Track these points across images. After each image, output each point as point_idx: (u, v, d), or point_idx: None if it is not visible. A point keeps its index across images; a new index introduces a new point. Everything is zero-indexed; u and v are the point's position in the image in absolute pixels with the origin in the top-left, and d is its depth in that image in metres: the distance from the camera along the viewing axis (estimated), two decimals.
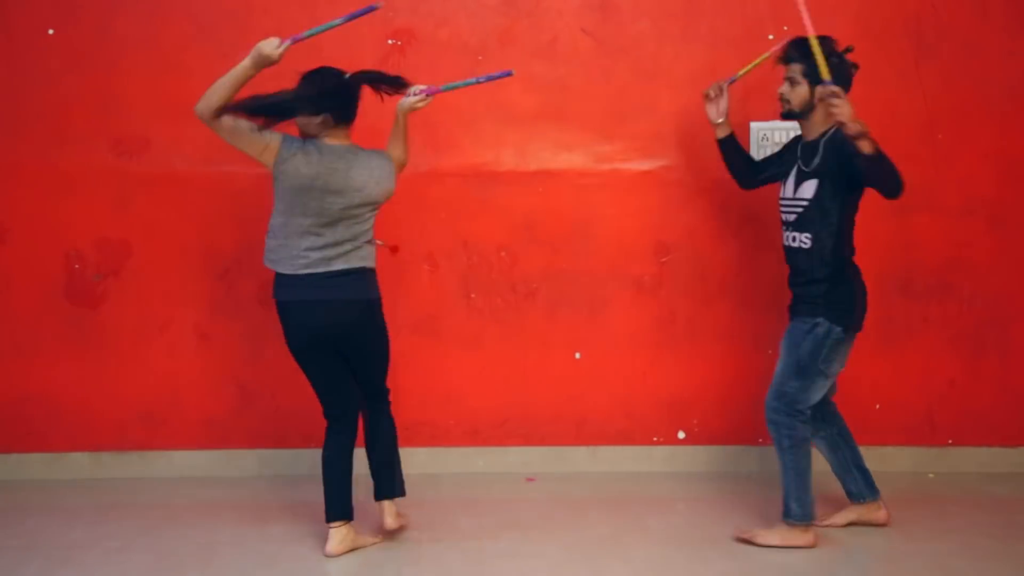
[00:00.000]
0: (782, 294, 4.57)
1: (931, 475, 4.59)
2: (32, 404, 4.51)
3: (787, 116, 3.81)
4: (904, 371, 4.61)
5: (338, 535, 3.69)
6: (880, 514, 3.97)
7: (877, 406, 4.62)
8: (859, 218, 4.56)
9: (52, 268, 4.47)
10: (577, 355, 4.59)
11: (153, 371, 4.52)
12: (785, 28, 4.45)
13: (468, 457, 4.61)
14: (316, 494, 4.34)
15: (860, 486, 3.95)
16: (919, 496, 4.34)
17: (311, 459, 4.57)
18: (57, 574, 3.58)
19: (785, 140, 4.48)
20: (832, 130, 3.70)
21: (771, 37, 4.45)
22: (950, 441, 4.64)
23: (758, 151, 4.49)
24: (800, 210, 3.75)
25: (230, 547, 3.80)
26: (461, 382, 4.57)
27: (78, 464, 4.55)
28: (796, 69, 3.75)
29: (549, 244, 4.56)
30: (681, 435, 4.63)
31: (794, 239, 3.78)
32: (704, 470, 4.60)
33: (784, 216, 3.82)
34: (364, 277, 3.67)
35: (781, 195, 3.86)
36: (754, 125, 4.49)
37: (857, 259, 3.65)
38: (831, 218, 3.70)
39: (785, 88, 3.78)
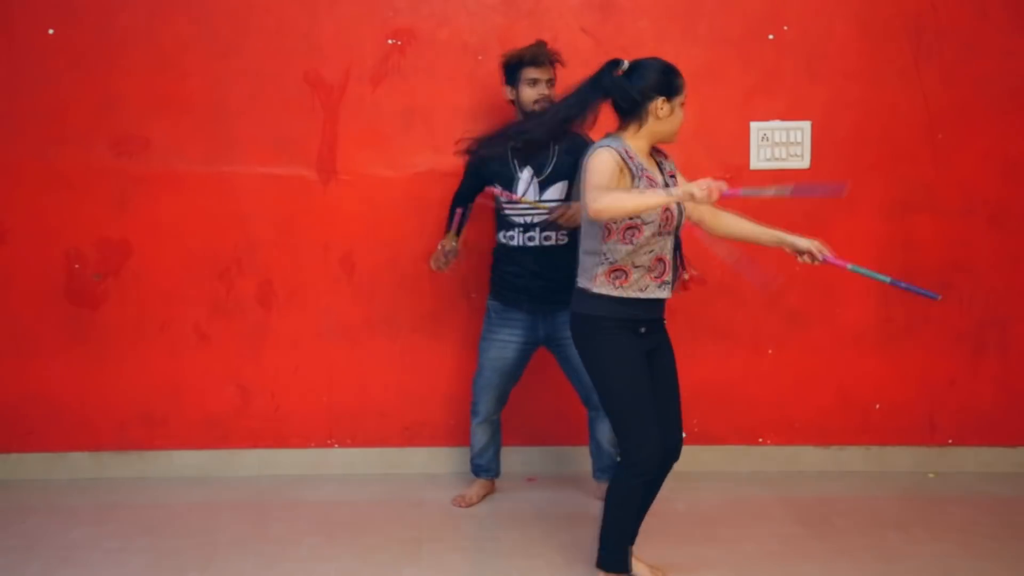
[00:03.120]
0: (782, 294, 4.58)
1: (931, 475, 4.59)
2: (32, 404, 4.51)
3: None
4: (904, 371, 4.60)
5: None
6: None
7: (877, 406, 4.62)
8: (858, 218, 4.57)
9: (52, 268, 4.47)
10: None
11: (153, 371, 4.51)
12: (785, 28, 4.45)
13: (469, 457, 4.60)
14: (316, 494, 4.36)
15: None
16: (919, 496, 4.34)
17: (311, 459, 4.59)
18: (57, 574, 3.59)
19: (786, 140, 4.48)
20: None
21: (771, 37, 4.45)
22: (950, 441, 4.64)
23: (758, 151, 4.49)
24: None
25: (230, 547, 3.80)
26: (461, 382, 4.55)
27: (78, 464, 4.55)
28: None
29: None
30: (682, 435, 4.62)
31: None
32: (704, 470, 4.59)
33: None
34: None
35: None
36: (754, 125, 4.48)
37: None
38: None
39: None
